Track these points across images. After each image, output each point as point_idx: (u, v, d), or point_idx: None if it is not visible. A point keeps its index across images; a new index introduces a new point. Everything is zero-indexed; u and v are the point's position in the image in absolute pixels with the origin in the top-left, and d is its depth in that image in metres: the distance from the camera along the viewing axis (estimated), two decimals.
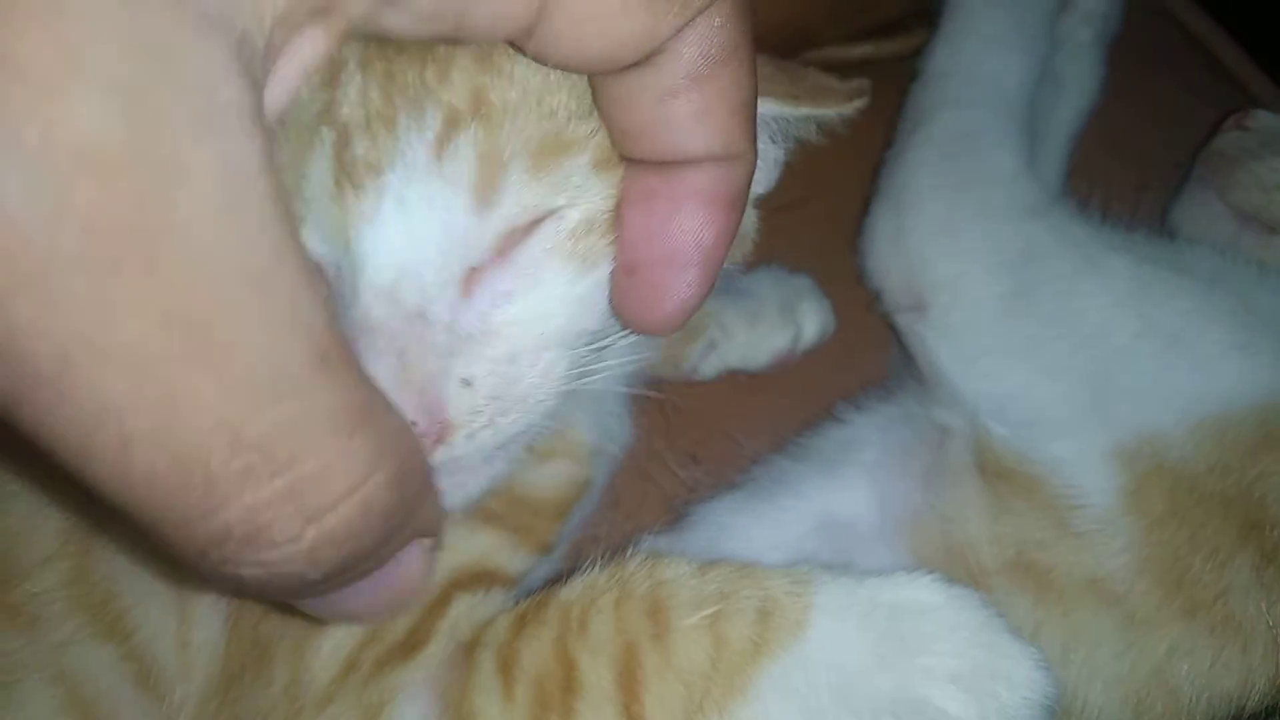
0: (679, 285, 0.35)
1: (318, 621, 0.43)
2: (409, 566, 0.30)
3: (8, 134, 0.19)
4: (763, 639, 0.41)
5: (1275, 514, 0.53)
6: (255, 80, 0.23)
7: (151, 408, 0.22)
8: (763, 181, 0.47)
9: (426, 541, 0.30)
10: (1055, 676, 0.41)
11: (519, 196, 0.36)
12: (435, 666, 0.45)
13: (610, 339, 0.40)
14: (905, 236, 0.66)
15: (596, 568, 0.46)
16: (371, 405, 0.26)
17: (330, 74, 0.34)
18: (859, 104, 0.46)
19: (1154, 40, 0.87)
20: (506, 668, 0.43)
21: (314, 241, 0.35)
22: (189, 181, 0.21)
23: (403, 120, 0.34)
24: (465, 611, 0.47)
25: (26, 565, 0.47)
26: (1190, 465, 0.55)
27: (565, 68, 0.32)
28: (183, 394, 0.22)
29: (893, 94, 0.73)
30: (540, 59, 0.30)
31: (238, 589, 0.26)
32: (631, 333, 0.39)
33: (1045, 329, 0.61)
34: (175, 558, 0.24)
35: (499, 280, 0.36)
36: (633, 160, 0.35)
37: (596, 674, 0.42)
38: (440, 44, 0.34)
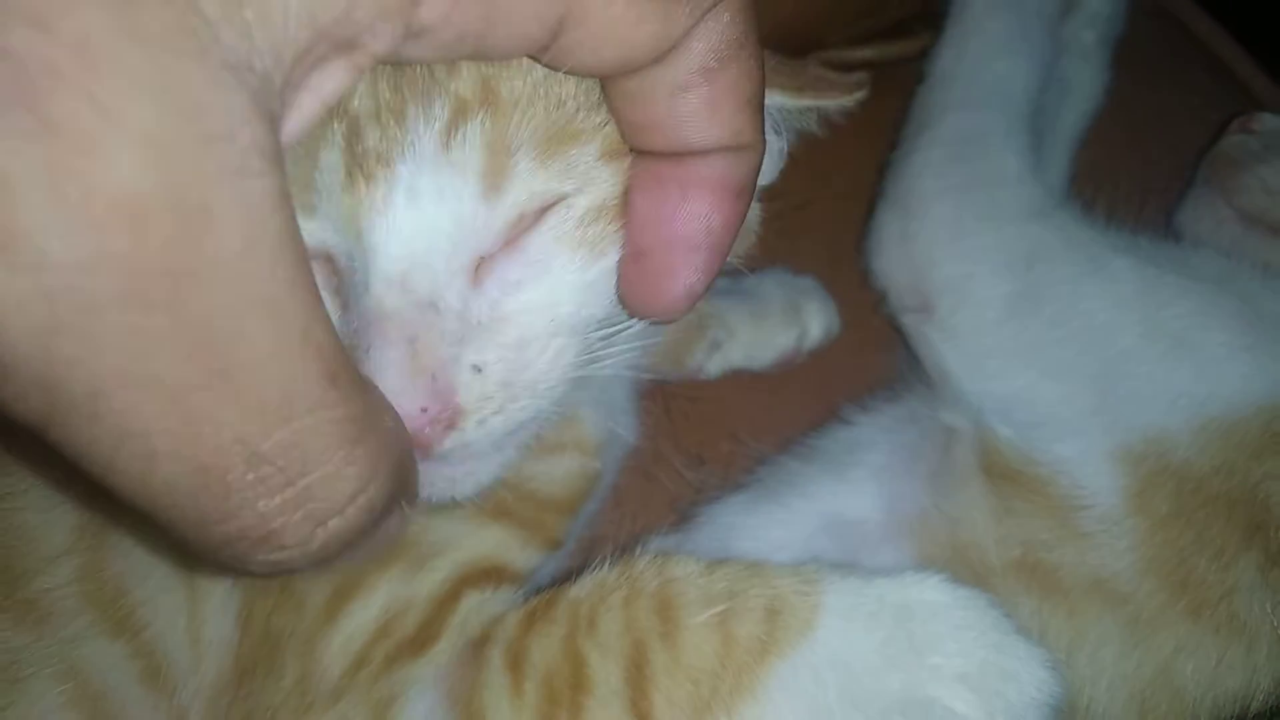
0: (686, 270, 0.35)
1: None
2: (391, 529, 0.31)
3: (49, 189, 0.20)
4: (771, 638, 0.42)
5: None
6: (272, 117, 0.24)
7: (174, 429, 0.23)
8: (767, 173, 0.47)
9: (407, 505, 0.31)
10: (1062, 676, 0.42)
11: (527, 184, 0.36)
12: (445, 663, 0.45)
13: (619, 326, 0.40)
14: (911, 238, 0.66)
15: (606, 566, 0.46)
16: (372, 411, 0.27)
17: None
18: (859, 96, 0.47)
19: (1158, 43, 0.88)
20: (516, 664, 0.44)
21: (326, 232, 0.36)
22: (213, 224, 0.22)
23: (412, 111, 0.34)
24: (475, 608, 0.47)
25: (39, 561, 0.48)
26: (1195, 466, 0.55)
27: (580, 74, 0.33)
28: (204, 416, 0.23)
29: (898, 97, 0.73)
30: (556, 68, 0.31)
31: (244, 573, 0.28)
32: (639, 320, 0.40)
33: (1051, 330, 0.61)
34: (189, 550, 0.26)
35: (509, 269, 0.37)
36: (642, 152, 0.36)
37: (605, 671, 0.42)
38: None
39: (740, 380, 0.72)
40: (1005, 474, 0.58)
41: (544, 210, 0.37)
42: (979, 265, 0.64)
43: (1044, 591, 0.55)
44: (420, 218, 0.35)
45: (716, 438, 0.70)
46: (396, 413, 0.30)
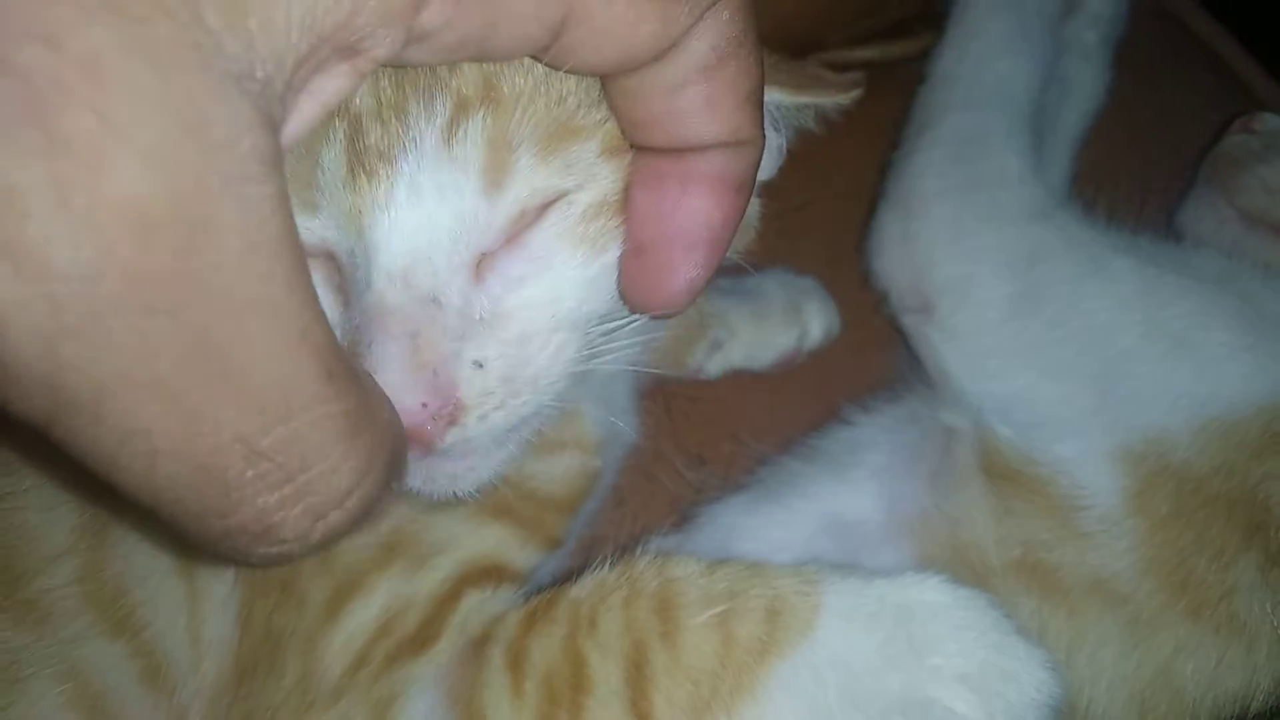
0: (687, 264, 0.36)
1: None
2: (382, 509, 0.31)
3: (58, 202, 0.21)
4: (771, 638, 0.42)
5: None
6: (273, 122, 0.24)
7: (176, 428, 0.24)
8: (766, 168, 0.47)
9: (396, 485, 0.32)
10: (1062, 677, 0.42)
11: (529, 180, 0.36)
12: (445, 662, 0.45)
13: (620, 321, 0.41)
14: (912, 238, 0.66)
15: (606, 566, 0.46)
16: (368, 405, 0.27)
17: None
18: (855, 94, 0.48)
19: (1159, 43, 0.88)
20: (516, 664, 0.44)
21: (328, 229, 0.36)
22: (214, 230, 0.23)
23: (413, 108, 0.35)
24: (475, 607, 0.47)
25: (40, 561, 0.48)
26: (1195, 466, 0.55)
27: (581, 73, 0.33)
28: (205, 415, 0.24)
29: (898, 97, 0.73)
30: (556, 67, 0.31)
31: (245, 564, 0.28)
32: (639, 315, 0.40)
33: (1051, 330, 0.61)
34: (190, 543, 0.26)
35: (510, 265, 0.37)
36: (642, 148, 0.36)
37: (605, 671, 0.42)
38: None
39: (741, 380, 0.72)
40: (1005, 474, 0.58)
41: (545, 206, 0.37)
42: (980, 265, 0.64)
43: (1044, 592, 0.55)
44: (422, 214, 0.35)
45: (717, 438, 0.71)
46: (391, 403, 0.30)
